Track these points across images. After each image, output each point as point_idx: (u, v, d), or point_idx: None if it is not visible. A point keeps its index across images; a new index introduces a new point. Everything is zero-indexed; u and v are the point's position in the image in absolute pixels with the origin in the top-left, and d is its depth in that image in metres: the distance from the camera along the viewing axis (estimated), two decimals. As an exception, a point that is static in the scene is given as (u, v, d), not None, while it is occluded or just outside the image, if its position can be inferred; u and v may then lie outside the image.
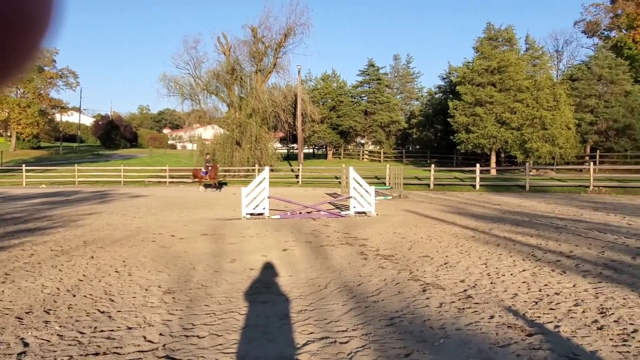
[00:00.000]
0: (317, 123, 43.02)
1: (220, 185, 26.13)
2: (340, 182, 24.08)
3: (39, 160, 43.26)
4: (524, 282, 5.51)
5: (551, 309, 4.50)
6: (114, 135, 69.92)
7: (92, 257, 7.18)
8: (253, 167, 31.72)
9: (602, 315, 4.28)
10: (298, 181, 30.17)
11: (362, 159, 50.60)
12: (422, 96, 59.20)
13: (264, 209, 12.47)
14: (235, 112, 35.18)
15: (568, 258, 6.87)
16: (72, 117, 72.98)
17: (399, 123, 49.51)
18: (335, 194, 21.77)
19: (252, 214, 12.50)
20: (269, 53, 36.41)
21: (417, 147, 50.66)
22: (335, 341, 3.76)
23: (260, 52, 35.83)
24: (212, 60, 61.07)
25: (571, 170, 30.27)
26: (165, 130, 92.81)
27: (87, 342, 3.74)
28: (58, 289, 5.36)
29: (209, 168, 24.89)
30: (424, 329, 4.00)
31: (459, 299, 4.87)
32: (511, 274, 5.93)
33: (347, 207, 13.77)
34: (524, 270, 6.11)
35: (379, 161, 46.80)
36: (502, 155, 36.02)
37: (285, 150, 55.10)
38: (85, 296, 5.07)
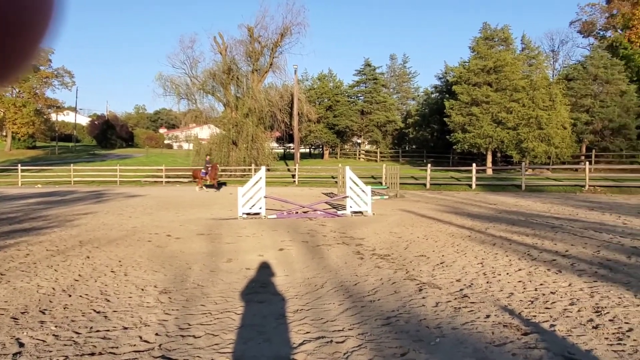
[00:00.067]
0: (314, 123, 43.00)
1: (219, 185, 26.13)
2: (336, 182, 24.11)
3: (34, 160, 43.11)
4: (519, 282, 5.53)
5: (547, 308, 4.51)
6: (110, 135, 69.63)
7: (88, 257, 7.16)
8: (249, 167, 31.70)
9: (597, 314, 4.30)
10: (294, 181, 30.16)
11: (359, 158, 50.61)
12: (418, 96, 59.20)
13: (260, 208, 12.46)
14: (232, 111, 35.16)
15: (564, 257, 6.89)
16: (68, 117, 72.70)
17: (395, 123, 49.53)
18: (332, 193, 21.78)
19: (248, 214, 12.50)
20: (266, 53, 36.45)
21: (414, 146, 50.72)
22: (331, 341, 3.76)
23: (256, 51, 35.81)
24: (208, 59, 60.88)
25: (567, 169, 30.37)
26: (162, 130, 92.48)
27: (82, 342, 3.73)
28: (54, 289, 5.34)
29: (209, 169, 24.92)
30: (420, 329, 4.00)
31: (455, 299, 4.88)
32: (507, 273, 5.94)
33: (343, 207, 13.78)
34: (519, 270, 6.13)
35: (376, 161, 46.80)
36: (498, 154, 36.08)
37: (282, 150, 55.10)
38: (81, 296, 5.06)
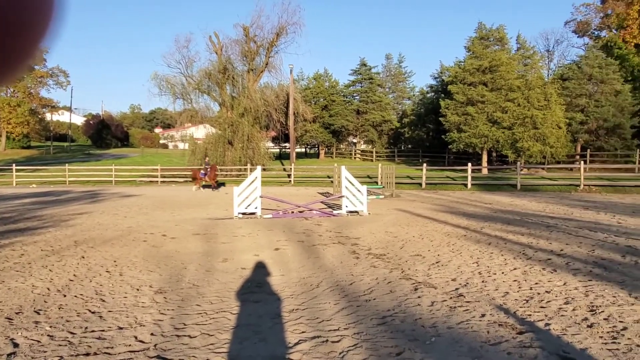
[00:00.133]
0: (309, 122, 43.00)
1: (218, 185, 26.13)
2: (332, 182, 24.08)
3: (29, 160, 42.91)
4: (515, 281, 5.54)
5: (542, 307, 4.53)
6: (105, 134, 69.45)
7: (83, 257, 7.14)
8: (245, 167, 31.64)
9: (592, 313, 4.31)
10: (290, 180, 30.14)
11: (354, 158, 50.62)
12: (414, 95, 59.27)
13: (256, 208, 12.45)
14: (227, 111, 35.10)
15: (559, 256, 6.91)
16: (62, 117, 72.62)
17: (391, 122, 49.54)
18: (328, 193, 21.77)
19: (244, 214, 12.48)
20: (261, 52, 36.38)
21: (409, 146, 50.72)
22: (327, 340, 3.77)
23: (252, 51, 35.76)
24: (204, 59, 60.83)
25: (562, 169, 30.45)
26: (157, 130, 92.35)
27: (77, 343, 3.72)
28: (48, 289, 5.32)
29: (208, 169, 24.95)
30: (416, 328, 4.01)
31: (451, 298, 4.89)
32: (502, 273, 5.96)
33: (339, 207, 13.79)
34: (515, 269, 6.15)
35: (371, 160, 46.84)
36: (494, 154, 36.19)
37: (278, 150, 55.05)
38: (75, 296, 5.04)
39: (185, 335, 3.89)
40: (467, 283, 5.47)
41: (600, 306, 4.50)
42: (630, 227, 9.87)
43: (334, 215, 12.73)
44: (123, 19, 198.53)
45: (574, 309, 4.43)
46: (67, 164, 32.70)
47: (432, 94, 46.14)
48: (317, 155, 52.00)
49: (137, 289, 5.35)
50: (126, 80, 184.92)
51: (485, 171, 31.19)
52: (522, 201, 16.68)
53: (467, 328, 3.98)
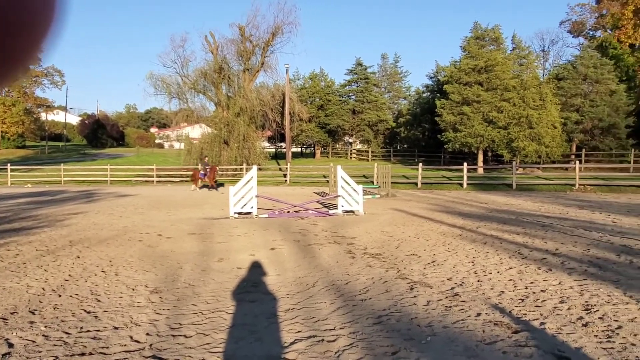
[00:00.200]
0: (305, 122, 43.00)
1: (217, 186, 26.10)
2: (328, 181, 24.11)
3: (24, 160, 42.73)
4: (510, 280, 5.56)
5: (537, 306, 4.54)
6: (101, 134, 69.15)
7: (78, 257, 7.11)
8: (241, 166, 31.59)
9: (587, 312, 4.33)
10: (286, 180, 30.11)
11: (350, 157, 50.59)
12: (410, 95, 59.24)
13: (251, 208, 12.44)
14: (223, 111, 35.06)
15: (554, 256, 6.94)
16: (58, 116, 72.22)
17: (386, 122, 49.56)
18: (324, 192, 21.78)
19: (240, 213, 12.47)
20: (257, 52, 36.37)
21: (405, 146, 50.73)
22: (322, 340, 3.77)
23: (248, 51, 35.73)
24: (199, 59, 60.59)
25: (557, 168, 30.55)
26: (153, 129, 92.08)
27: (72, 343, 3.71)
28: (43, 289, 5.30)
29: (207, 170, 24.93)
30: (411, 327, 4.02)
31: (446, 297, 4.90)
32: (498, 272, 5.97)
33: (335, 206, 13.79)
34: (510, 268, 6.17)
35: (367, 160, 46.81)
36: (489, 154, 36.23)
37: (274, 149, 55.00)
38: (71, 296, 5.02)
39: (181, 335, 3.88)
40: (463, 282, 5.48)
41: (595, 305, 4.51)
42: (625, 226, 9.91)
43: (329, 215, 12.74)
44: (121, 18, 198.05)
45: (569, 308, 4.45)
46: (62, 164, 32.56)
47: (428, 93, 46.14)
48: (313, 155, 52.00)
49: (133, 289, 5.34)
50: (122, 79, 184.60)
51: (480, 171, 31.25)
52: (517, 201, 16.73)
53: (462, 327, 3.99)
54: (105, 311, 4.52)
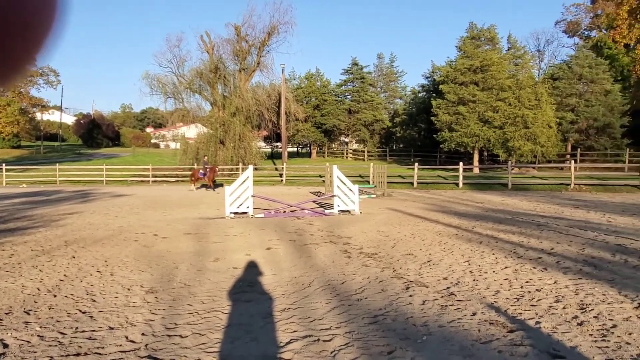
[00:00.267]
0: (301, 122, 42.99)
1: (216, 186, 26.07)
2: (324, 181, 24.08)
3: (19, 160, 42.55)
4: (505, 279, 5.57)
5: (532, 305, 4.56)
6: (96, 134, 68.96)
7: (74, 257, 7.09)
8: (237, 166, 31.55)
9: (582, 311, 4.35)
10: (282, 180, 30.10)
11: (346, 157, 50.61)
12: (405, 95, 59.32)
13: (247, 207, 12.43)
14: (219, 110, 35.03)
15: (549, 255, 6.96)
16: (53, 116, 72.05)
17: (382, 122, 49.60)
18: (319, 192, 21.77)
19: (236, 213, 12.46)
20: (253, 52, 36.33)
21: (401, 145, 50.76)
22: (318, 339, 3.77)
23: (243, 50, 35.70)
24: (195, 58, 60.59)
25: (552, 168, 30.63)
26: (148, 129, 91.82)
27: (68, 343, 3.70)
28: (38, 289, 5.28)
29: (207, 170, 24.90)
30: (407, 327, 4.02)
31: (442, 297, 4.91)
32: (493, 271, 5.99)
33: (331, 206, 13.79)
34: (506, 268, 6.18)
35: (363, 160, 46.87)
36: (485, 153, 36.33)
37: (269, 149, 54.94)
38: (66, 296, 5.01)
39: (176, 335, 3.88)
40: (459, 282, 5.50)
41: (590, 304, 4.53)
42: (620, 225, 9.95)
43: (325, 215, 12.74)
44: (118, 18, 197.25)
45: (564, 307, 4.46)
46: (57, 164, 32.40)
47: (424, 93, 46.20)
48: (309, 155, 51.96)
49: (128, 289, 5.32)
50: (117, 79, 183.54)
51: (476, 170, 31.34)
52: (513, 200, 16.77)
53: (458, 327, 4.00)
54: (100, 311, 4.51)
